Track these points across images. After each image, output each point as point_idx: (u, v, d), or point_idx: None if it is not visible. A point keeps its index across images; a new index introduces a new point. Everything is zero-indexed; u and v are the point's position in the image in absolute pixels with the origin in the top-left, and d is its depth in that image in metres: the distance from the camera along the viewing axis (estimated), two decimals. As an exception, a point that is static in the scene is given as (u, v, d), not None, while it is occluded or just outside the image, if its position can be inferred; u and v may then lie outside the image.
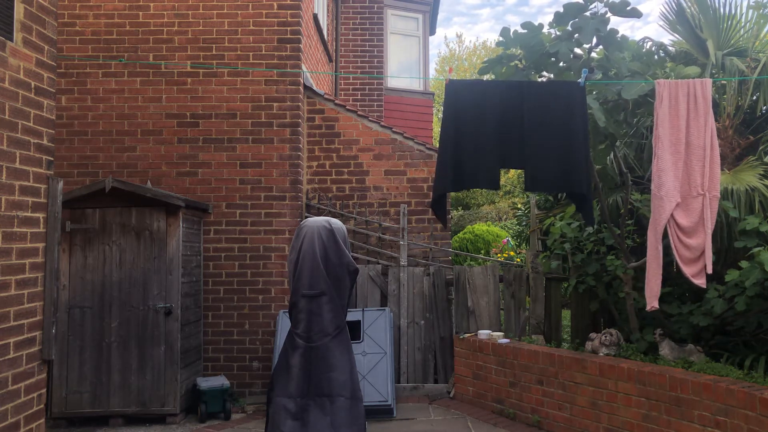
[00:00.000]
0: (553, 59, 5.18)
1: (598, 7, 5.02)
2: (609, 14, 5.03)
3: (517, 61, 5.31)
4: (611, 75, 5.07)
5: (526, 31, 5.16)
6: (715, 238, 5.54)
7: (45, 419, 4.26)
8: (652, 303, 4.66)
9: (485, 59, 5.51)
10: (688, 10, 6.51)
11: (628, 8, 4.98)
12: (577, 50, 5.23)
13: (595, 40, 5.09)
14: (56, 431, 5.89)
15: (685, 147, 4.54)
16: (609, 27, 5.00)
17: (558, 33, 5.14)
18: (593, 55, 5.27)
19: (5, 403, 3.76)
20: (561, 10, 5.06)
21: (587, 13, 5.02)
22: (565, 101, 4.77)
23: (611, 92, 5.04)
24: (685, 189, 4.56)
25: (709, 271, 4.51)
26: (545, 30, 5.17)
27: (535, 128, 4.79)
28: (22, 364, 3.93)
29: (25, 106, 3.96)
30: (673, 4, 6.59)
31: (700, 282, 4.56)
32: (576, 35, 5.04)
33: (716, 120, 6.01)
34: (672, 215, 4.55)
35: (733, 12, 6.34)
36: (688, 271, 4.55)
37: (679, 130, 4.55)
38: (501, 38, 5.26)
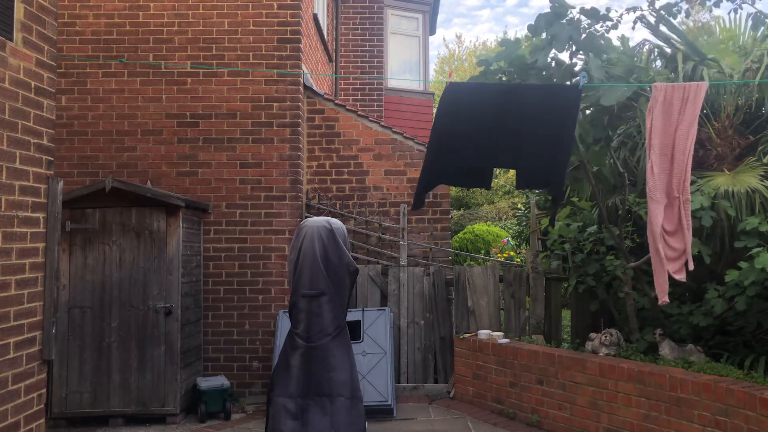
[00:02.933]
0: (535, 71, 5.18)
1: (573, 14, 5.03)
2: (584, 19, 5.03)
3: (501, 75, 5.30)
4: (594, 80, 5.07)
5: (504, 48, 5.17)
6: (714, 239, 5.55)
7: (45, 419, 4.26)
8: (663, 298, 4.68)
9: (472, 76, 5.51)
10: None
11: (601, 14, 5.02)
12: (562, 57, 5.23)
13: (574, 46, 5.09)
14: (56, 431, 5.89)
15: (672, 149, 4.62)
16: (590, 30, 4.99)
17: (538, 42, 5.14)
18: (578, 59, 5.26)
19: (5, 403, 3.76)
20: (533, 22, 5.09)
21: (563, 21, 5.00)
22: (562, 104, 4.77)
23: (592, 98, 5.02)
24: (668, 192, 4.64)
25: (690, 267, 4.62)
26: (525, 44, 5.18)
27: (531, 130, 4.80)
28: (22, 364, 3.93)
29: (25, 106, 3.96)
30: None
31: (681, 277, 4.66)
32: (551, 41, 5.03)
33: (716, 120, 6.02)
34: None
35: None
36: (671, 268, 4.65)
37: (669, 133, 4.62)
38: (480, 60, 5.27)
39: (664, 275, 4.68)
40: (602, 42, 5.05)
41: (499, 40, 5.19)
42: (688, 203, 4.61)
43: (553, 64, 5.13)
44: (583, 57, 5.21)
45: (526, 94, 4.88)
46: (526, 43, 5.21)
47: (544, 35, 5.08)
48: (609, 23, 5.09)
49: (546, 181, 4.99)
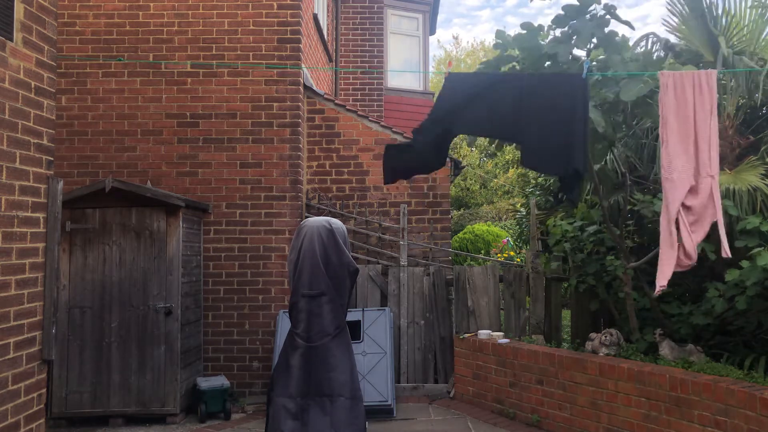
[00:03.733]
0: (550, 62, 5.18)
1: (597, 9, 5.04)
2: (608, 17, 5.05)
3: (514, 63, 5.30)
4: (609, 76, 5.08)
5: (525, 32, 5.16)
6: (714, 238, 5.55)
7: (45, 419, 4.25)
8: (662, 282, 4.50)
9: (482, 61, 5.48)
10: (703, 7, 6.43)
11: (622, 20, 5.05)
12: (576, 51, 5.25)
13: (595, 40, 5.11)
14: (56, 431, 5.89)
15: (693, 132, 4.57)
16: (609, 29, 5.03)
17: (557, 35, 5.15)
18: (591, 56, 5.28)
19: (5, 403, 3.76)
20: (561, 12, 5.09)
21: (586, 16, 5.03)
22: (566, 91, 4.68)
23: (610, 93, 5.04)
24: (696, 172, 4.57)
25: (727, 254, 4.42)
26: (544, 31, 5.18)
27: (533, 110, 4.64)
28: (22, 364, 3.93)
29: (25, 106, 3.96)
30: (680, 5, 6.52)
31: (690, 262, 4.51)
32: (574, 37, 5.05)
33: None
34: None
35: (734, 12, 6.32)
36: (688, 246, 4.49)
37: (687, 116, 4.56)
38: (498, 40, 5.26)
39: (672, 262, 4.48)
40: (618, 41, 5.07)
41: (522, 23, 5.16)
42: (717, 181, 4.56)
43: (570, 57, 5.14)
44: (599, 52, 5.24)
45: (528, 81, 4.79)
46: (547, 32, 5.19)
47: (567, 28, 5.08)
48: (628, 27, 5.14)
49: (552, 161, 4.87)
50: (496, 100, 4.78)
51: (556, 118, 4.70)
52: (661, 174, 4.64)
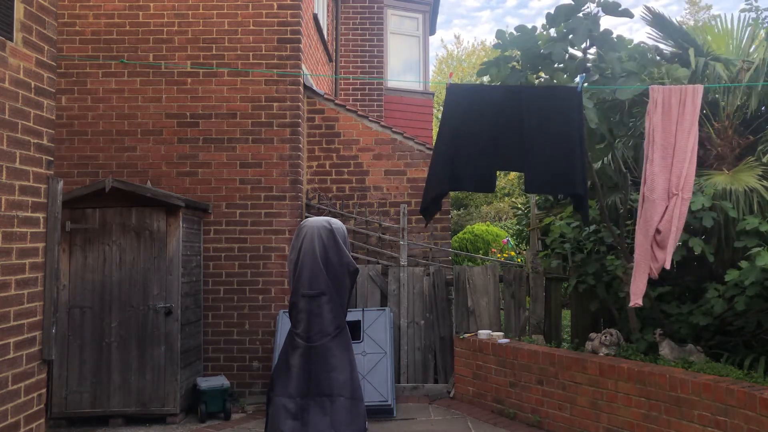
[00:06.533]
0: (548, 61, 5.21)
1: (591, 8, 5.05)
2: (602, 14, 5.06)
3: (514, 63, 5.33)
4: (607, 74, 5.09)
5: (519, 34, 5.19)
6: (714, 239, 5.56)
7: (45, 419, 4.26)
8: (636, 300, 4.72)
9: (483, 61, 5.52)
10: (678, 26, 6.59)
11: (620, 9, 5.04)
12: (573, 51, 5.26)
13: (588, 41, 5.13)
14: (56, 431, 5.89)
15: (672, 150, 4.64)
16: (604, 28, 5.06)
17: (554, 34, 5.17)
18: (588, 55, 5.28)
19: (5, 403, 3.76)
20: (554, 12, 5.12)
21: (580, 14, 5.04)
22: (562, 105, 4.80)
23: (606, 93, 5.07)
24: (669, 191, 4.65)
25: (667, 266, 4.62)
26: (539, 32, 5.20)
27: (534, 132, 4.81)
28: (22, 364, 3.93)
29: (25, 106, 3.96)
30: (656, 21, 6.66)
31: (653, 274, 4.70)
32: (570, 36, 5.07)
33: (715, 120, 6.02)
34: None
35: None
36: (654, 265, 4.68)
37: (670, 134, 4.67)
38: (498, 40, 5.29)
39: (645, 278, 4.70)
40: (614, 39, 5.08)
41: (516, 25, 5.19)
42: (686, 203, 4.62)
43: (566, 57, 5.15)
44: (594, 52, 5.24)
45: (527, 96, 4.88)
46: (542, 32, 5.22)
47: (556, 28, 5.10)
48: (626, 17, 5.14)
49: (553, 186, 4.99)
50: (496, 121, 4.84)
51: (554, 138, 4.78)
52: (643, 192, 4.69)
